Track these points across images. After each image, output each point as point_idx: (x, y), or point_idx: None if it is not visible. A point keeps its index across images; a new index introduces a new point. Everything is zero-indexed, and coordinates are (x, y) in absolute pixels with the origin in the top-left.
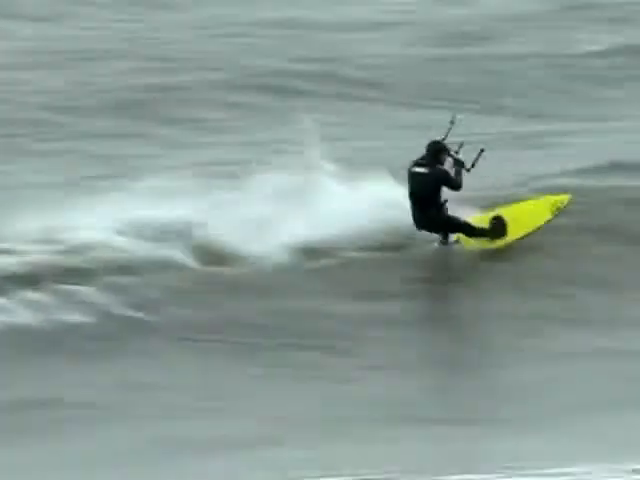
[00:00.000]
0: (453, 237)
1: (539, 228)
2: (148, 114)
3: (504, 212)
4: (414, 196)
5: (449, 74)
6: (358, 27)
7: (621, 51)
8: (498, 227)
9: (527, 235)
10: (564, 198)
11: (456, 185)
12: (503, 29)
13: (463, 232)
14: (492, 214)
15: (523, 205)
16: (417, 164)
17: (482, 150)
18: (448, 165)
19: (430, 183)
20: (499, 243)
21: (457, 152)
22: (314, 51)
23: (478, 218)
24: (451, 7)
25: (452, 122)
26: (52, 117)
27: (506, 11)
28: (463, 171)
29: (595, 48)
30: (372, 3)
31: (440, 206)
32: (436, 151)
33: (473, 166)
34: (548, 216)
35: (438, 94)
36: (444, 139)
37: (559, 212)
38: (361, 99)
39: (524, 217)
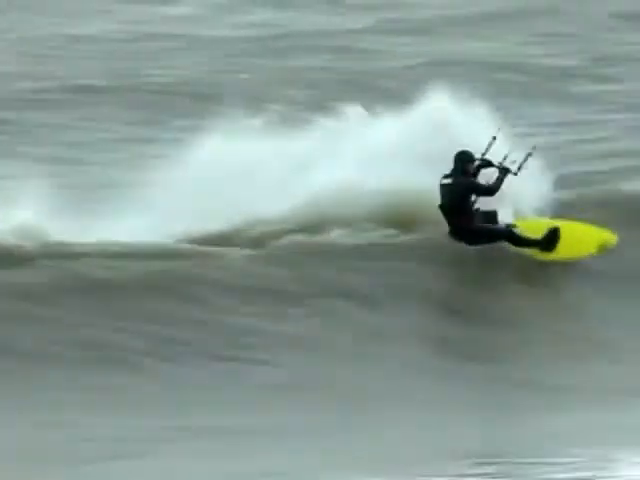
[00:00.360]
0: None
1: (580, 258)
2: None
3: (562, 226)
4: (443, 208)
5: None
6: None
7: None
8: (552, 240)
9: (568, 259)
10: (613, 239)
11: (489, 190)
12: None
13: (507, 241)
14: (550, 224)
15: (577, 226)
16: (445, 176)
17: (529, 153)
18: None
19: (456, 193)
20: (547, 256)
21: (501, 162)
22: None
23: (534, 222)
24: None
25: (494, 138)
26: None
27: None
28: (509, 175)
29: None
30: None
31: (471, 216)
32: (461, 161)
33: (519, 169)
34: (592, 250)
35: None
36: (484, 154)
37: (603, 251)
38: None
39: (574, 240)
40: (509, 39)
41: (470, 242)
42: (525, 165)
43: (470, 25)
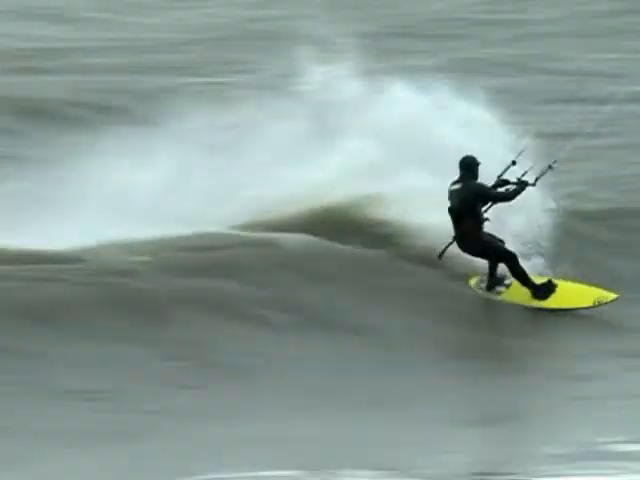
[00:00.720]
0: (500, 288)
1: (575, 309)
2: None
3: (560, 283)
4: (452, 212)
5: None
6: None
7: None
8: (546, 288)
9: (561, 310)
10: (610, 296)
11: (502, 197)
12: None
13: (507, 264)
14: (546, 278)
15: (574, 285)
16: (454, 183)
17: (550, 166)
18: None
19: (465, 197)
20: (538, 303)
21: (523, 175)
22: None
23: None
24: None
25: (514, 162)
26: None
27: None
28: (528, 187)
29: None
30: None
31: (480, 223)
32: (468, 165)
33: (537, 179)
34: (589, 304)
35: None
36: (500, 176)
37: (599, 305)
38: None
39: (568, 294)
40: None
41: (472, 252)
42: (542, 177)
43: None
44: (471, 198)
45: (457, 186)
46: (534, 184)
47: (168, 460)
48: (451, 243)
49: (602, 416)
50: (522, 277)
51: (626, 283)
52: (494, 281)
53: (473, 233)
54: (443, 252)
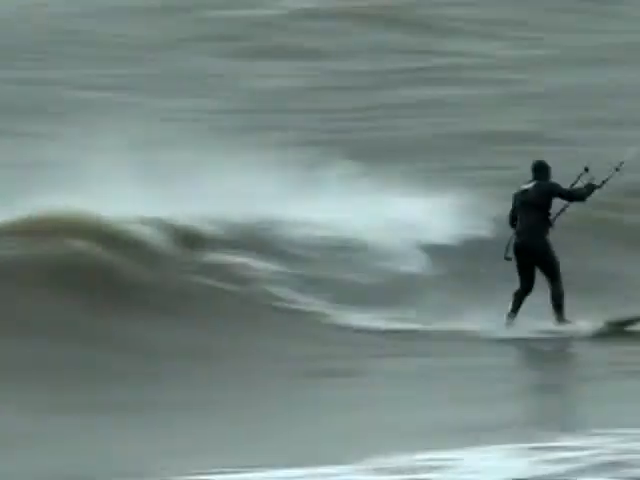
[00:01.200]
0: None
1: None
2: None
3: None
4: (523, 207)
5: None
6: None
7: None
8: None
9: None
10: None
11: (576, 196)
12: None
13: (554, 280)
14: None
15: None
16: (525, 183)
17: (617, 169)
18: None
19: (539, 193)
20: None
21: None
22: None
23: None
24: None
25: (586, 169)
26: None
27: None
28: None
29: None
30: None
31: (549, 220)
32: (541, 167)
33: (604, 182)
34: None
35: None
36: (573, 184)
37: None
38: None
39: None
40: None
41: (534, 249)
42: (608, 181)
43: None
44: (547, 193)
45: (527, 185)
46: (600, 186)
47: None
48: (512, 238)
49: None
50: (561, 299)
51: None
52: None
53: (541, 231)
54: (508, 248)
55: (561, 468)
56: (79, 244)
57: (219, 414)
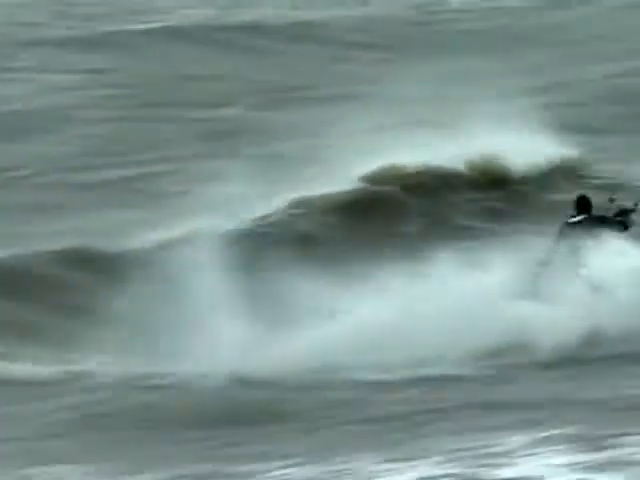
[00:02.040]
0: None
1: None
2: None
3: None
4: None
5: None
6: None
7: None
8: None
9: None
10: None
11: (623, 224)
12: None
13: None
14: None
15: None
16: (572, 216)
17: None
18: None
19: (591, 225)
20: None
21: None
22: None
23: None
24: None
25: (612, 200)
26: None
27: None
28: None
29: None
30: None
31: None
32: (587, 202)
33: (637, 205)
34: None
35: None
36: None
37: None
38: None
39: None
40: None
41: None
42: None
43: None
44: (596, 227)
45: (576, 218)
46: (634, 210)
47: None
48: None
49: None
50: None
51: None
52: None
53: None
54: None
55: None
56: None
57: None
